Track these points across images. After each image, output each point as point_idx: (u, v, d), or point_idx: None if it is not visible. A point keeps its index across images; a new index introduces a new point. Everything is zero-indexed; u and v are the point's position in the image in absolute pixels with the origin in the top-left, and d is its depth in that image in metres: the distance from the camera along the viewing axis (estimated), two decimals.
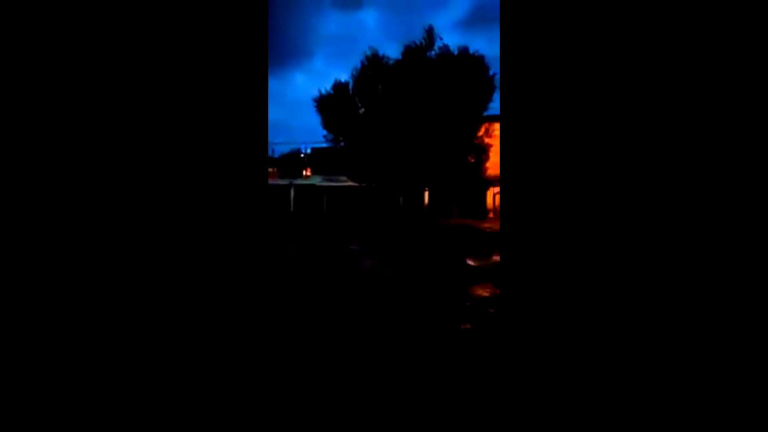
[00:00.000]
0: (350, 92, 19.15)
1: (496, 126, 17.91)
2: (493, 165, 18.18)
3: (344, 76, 30.31)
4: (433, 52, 17.29)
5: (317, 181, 18.73)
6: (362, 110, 18.69)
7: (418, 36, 19.17)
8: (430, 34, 17.39)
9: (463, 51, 16.97)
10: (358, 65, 18.46)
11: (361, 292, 5.56)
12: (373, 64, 18.16)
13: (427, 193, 18.57)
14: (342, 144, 19.24)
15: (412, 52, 17.54)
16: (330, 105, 19.03)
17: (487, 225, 15.93)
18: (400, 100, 17.13)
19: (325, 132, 19.54)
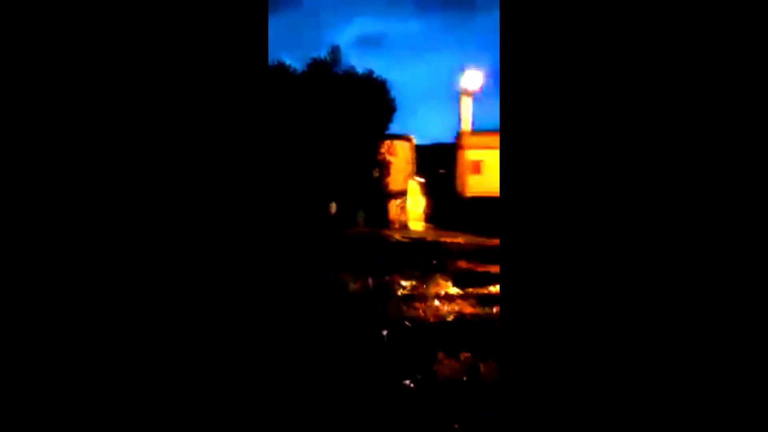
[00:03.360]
0: None
1: (396, 144, 19.49)
2: (394, 180, 19.72)
3: None
4: (338, 69, 18.04)
5: None
6: None
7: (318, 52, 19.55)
8: (335, 52, 18.08)
9: (368, 74, 18.17)
10: None
11: None
12: (279, 72, 17.88)
13: (334, 205, 19.18)
14: None
15: (317, 66, 17.95)
16: None
17: (389, 233, 17.33)
18: (305, 112, 17.37)
19: None
